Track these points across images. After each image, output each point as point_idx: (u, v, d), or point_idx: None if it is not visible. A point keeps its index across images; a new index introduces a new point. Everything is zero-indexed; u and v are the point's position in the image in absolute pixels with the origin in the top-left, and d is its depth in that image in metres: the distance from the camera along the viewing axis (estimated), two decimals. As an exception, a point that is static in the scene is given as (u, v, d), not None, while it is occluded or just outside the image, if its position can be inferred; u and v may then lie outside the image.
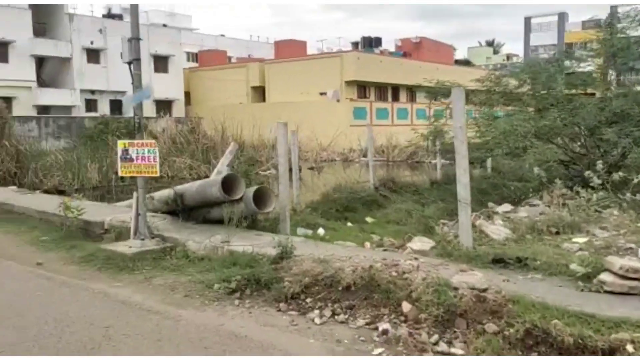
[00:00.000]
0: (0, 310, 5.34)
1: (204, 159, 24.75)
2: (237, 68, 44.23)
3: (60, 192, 18.09)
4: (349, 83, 37.76)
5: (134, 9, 7.11)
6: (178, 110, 42.81)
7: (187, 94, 45.47)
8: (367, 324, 4.73)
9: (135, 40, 7.04)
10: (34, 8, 37.49)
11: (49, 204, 10.60)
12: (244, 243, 6.78)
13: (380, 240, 7.86)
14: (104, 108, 41.05)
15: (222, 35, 61.86)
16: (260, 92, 42.31)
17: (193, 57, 52.92)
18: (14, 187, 15.37)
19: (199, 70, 47.09)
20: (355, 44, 52.60)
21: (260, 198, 7.58)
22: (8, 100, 29.47)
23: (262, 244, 6.68)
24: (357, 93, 38.75)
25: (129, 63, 7.12)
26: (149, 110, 37.65)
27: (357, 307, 4.98)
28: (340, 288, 5.22)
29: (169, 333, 4.71)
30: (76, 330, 4.79)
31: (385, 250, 6.81)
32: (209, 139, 27.38)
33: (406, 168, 26.92)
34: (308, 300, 5.25)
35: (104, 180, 23.08)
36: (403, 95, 43.08)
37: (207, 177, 22.82)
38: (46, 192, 16.74)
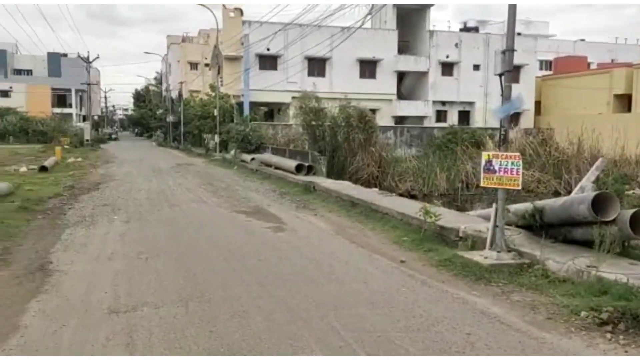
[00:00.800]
0: (374, 299, 6.02)
1: (555, 173, 23.34)
2: (598, 74, 40.15)
3: (412, 197, 19.59)
4: None
5: (511, 20, 7.06)
6: (526, 121, 41.50)
7: (537, 104, 43.63)
8: None
9: (509, 52, 7.00)
10: (400, 28, 41.64)
11: (407, 206, 11.52)
12: (616, 271, 6.03)
13: None
14: (452, 118, 42.82)
15: (582, 40, 57.21)
16: (625, 101, 37.46)
17: (546, 65, 50.47)
18: (376, 189, 17.18)
19: (552, 79, 44.61)
20: None
21: (637, 222, 6.61)
22: (373, 111, 33.47)
23: (639, 275, 5.82)
24: None
25: (500, 75, 7.12)
26: (495, 120, 37.56)
27: None
28: None
29: (533, 354, 4.51)
30: (440, 331, 5.03)
31: None
32: (561, 152, 25.66)
33: None
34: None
35: (450, 188, 24.06)
36: None
37: (557, 192, 21.46)
38: (400, 195, 18.30)
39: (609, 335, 4.86)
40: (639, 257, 6.98)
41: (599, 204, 6.95)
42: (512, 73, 7.29)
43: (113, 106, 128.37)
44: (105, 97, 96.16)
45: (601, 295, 5.55)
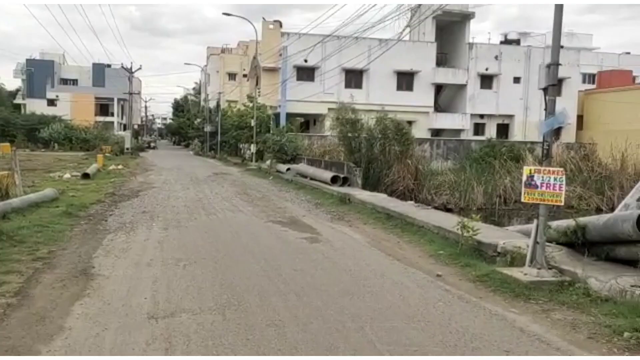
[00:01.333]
0: (409, 312, 5.97)
1: (597, 189, 22.77)
2: (643, 89, 39.07)
3: (448, 210, 19.38)
4: None
5: (556, 33, 6.96)
6: (568, 135, 40.63)
7: (579, 118, 42.67)
8: None
9: (554, 66, 6.89)
10: (439, 40, 41.46)
11: (443, 220, 11.40)
12: (662, 292, 5.83)
13: None
14: (490, 131, 42.24)
15: (627, 53, 55.75)
16: (672, 116, 36.31)
17: (589, 78, 49.35)
18: (412, 202, 17.06)
19: (595, 93, 43.59)
20: None
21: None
22: (410, 123, 33.35)
23: (688, 298, 5.61)
24: None
25: (544, 89, 7.02)
26: (535, 134, 36.91)
27: None
28: None
29: (574, 375, 4.40)
30: (477, 347, 4.96)
31: None
32: (604, 168, 25.02)
33: None
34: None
35: (487, 203, 23.70)
36: None
37: (599, 209, 20.89)
38: (436, 208, 18.10)
39: (654, 358, 4.71)
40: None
41: (645, 222, 6.74)
42: (555, 87, 7.19)
43: (152, 115, 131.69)
44: (146, 107, 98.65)
45: (646, 316, 5.38)
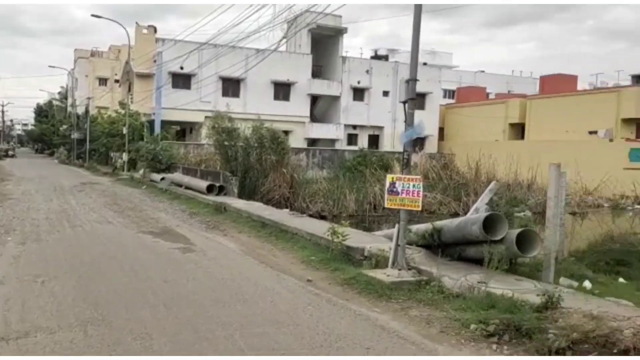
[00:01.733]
0: (280, 317, 6.12)
1: (455, 196, 24.70)
2: (496, 104, 43.16)
3: (322, 217, 19.94)
4: (626, 121, 33.52)
5: (414, 53, 7.56)
6: (431, 146, 43.61)
7: (441, 130, 46.05)
8: (651, 398, 4.12)
9: (412, 81, 7.48)
10: (314, 52, 42.59)
11: (316, 227, 11.76)
12: (503, 286, 6.54)
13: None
14: (362, 142, 44.15)
15: (482, 72, 61.26)
16: (518, 130, 40.50)
17: (450, 94, 53.54)
18: (287, 210, 17.36)
19: (454, 107, 47.36)
20: (637, 78, 46.29)
21: (522, 241, 7.23)
22: (286, 133, 33.79)
23: (523, 290, 6.37)
24: (637, 132, 34.09)
25: (404, 102, 7.57)
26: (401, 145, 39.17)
27: (638, 377, 4.38)
28: (615, 350, 4.69)
29: (426, 365, 4.80)
30: (341, 347, 5.22)
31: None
32: (461, 176, 27.25)
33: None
34: (575, 357, 4.81)
35: (359, 210, 24.71)
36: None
37: (456, 213, 22.69)
38: (311, 216, 18.58)
39: (494, 346, 5.27)
40: (524, 273, 7.62)
41: (490, 224, 7.52)
42: (416, 101, 7.80)
43: (11, 120, 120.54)
44: (2, 111, 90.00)
45: (489, 309, 6.00)
